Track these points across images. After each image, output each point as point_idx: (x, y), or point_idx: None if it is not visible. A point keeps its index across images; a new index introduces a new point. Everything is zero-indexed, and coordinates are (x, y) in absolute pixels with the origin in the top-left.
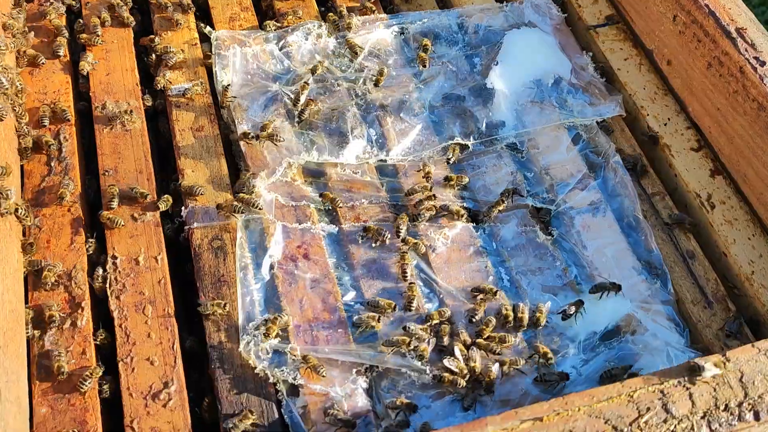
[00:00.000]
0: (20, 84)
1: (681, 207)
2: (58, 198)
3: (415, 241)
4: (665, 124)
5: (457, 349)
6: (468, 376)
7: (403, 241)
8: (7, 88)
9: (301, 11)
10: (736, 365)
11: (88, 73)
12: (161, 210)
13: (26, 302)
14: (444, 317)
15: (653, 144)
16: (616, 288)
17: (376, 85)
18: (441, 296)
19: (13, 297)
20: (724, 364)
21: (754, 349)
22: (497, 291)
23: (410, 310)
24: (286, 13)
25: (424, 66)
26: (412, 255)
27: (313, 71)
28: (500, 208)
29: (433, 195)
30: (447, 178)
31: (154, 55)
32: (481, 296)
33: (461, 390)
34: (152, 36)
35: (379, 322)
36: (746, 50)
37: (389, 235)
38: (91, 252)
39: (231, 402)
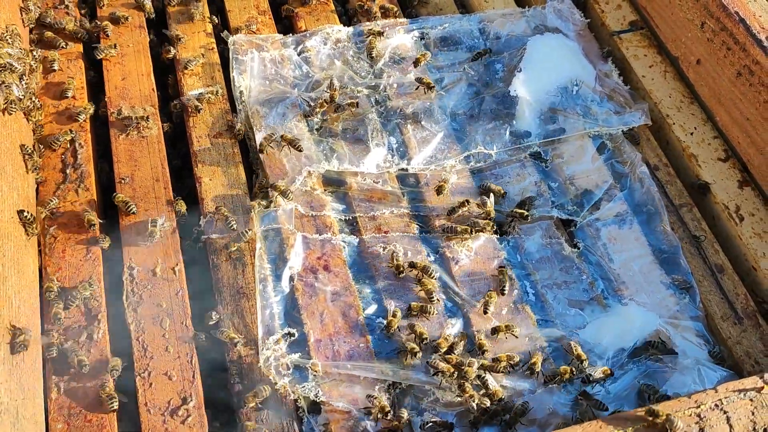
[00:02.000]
0: (38, 101)
1: (709, 219)
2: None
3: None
4: (691, 134)
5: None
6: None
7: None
8: (25, 104)
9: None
10: None
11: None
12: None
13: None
14: (450, 342)
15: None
16: (670, 352)
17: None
18: (465, 310)
19: (29, 310)
20: (762, 387)
21: None
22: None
23: (431, 300)
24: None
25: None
26: (435, 267)
27: (331, 98)
28: (526, 222)
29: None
30: (487, 216)
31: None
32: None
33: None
34: (168, 47)
35: (416, 357)
36: None
37: (434, 310)
38: (105, 247)
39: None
